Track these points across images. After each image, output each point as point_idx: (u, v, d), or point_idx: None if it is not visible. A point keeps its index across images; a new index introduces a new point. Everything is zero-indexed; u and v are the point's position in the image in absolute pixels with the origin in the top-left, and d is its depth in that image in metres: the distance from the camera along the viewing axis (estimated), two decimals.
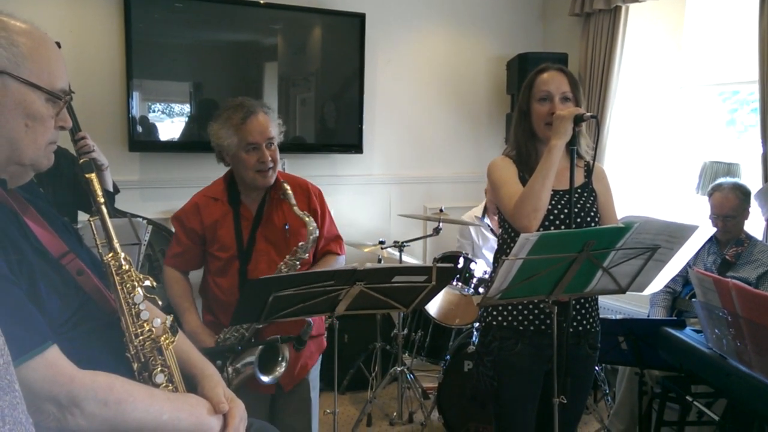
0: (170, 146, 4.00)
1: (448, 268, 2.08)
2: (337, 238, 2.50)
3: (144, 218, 2.81)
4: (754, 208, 3.35)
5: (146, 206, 3.80)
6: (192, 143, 4.02)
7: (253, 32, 4.14)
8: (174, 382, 1.31)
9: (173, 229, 2.41)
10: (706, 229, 1.86)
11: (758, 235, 3.42)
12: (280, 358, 2.14)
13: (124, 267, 1.30)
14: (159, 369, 1.29)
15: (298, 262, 2.22)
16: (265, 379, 2.10)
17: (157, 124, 3.95)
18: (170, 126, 4.00)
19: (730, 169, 3.62)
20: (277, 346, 2.12)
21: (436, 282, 1.97)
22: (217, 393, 1.33)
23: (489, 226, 4.07)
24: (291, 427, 2.40)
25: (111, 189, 2.79)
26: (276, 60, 4.22)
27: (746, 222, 3.28)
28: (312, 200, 2.42)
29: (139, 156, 3.89)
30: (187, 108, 4.04)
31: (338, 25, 4.33)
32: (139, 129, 3.82)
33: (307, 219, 2.22)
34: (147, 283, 1.31)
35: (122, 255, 1.30)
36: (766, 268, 3.14)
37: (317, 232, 2.26)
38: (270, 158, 2.24)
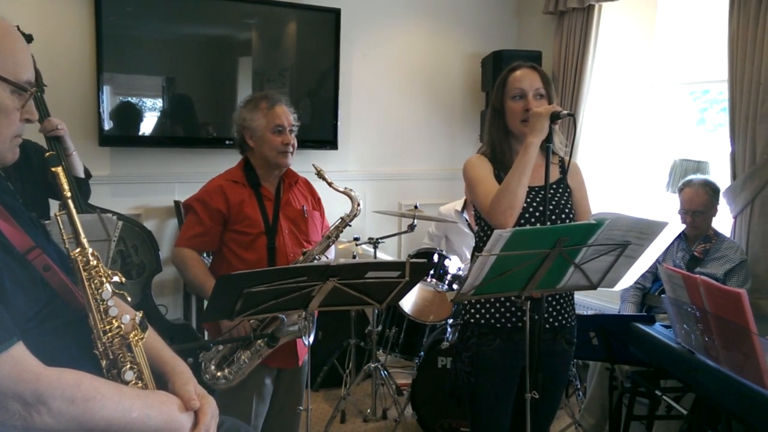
0: (142, 141, 3.94)
1: (422, 264, 2.09)
2: None
3: (114, 213, 2.77)
4: (723, 205, 3.42)
5: (117, 202, 3.74)
6: (164, 138, 3.98)
7: (227, 26, 4.11)
8: (143, 379, 1.29)
9: (191, 211, 2.47)
10: (675, 226, 1.89)
11: (726, 232, 3.48)
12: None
13: (91, 263, 1.28)
14: (128, 366, 1.27)
15: (343, 228, 2.50)
16: (306, 341, 2.26)
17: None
18: (142, 121, 3.95)
19: (699, 167, 3.67)
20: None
21: (410, 277, 1.97)
22: (188, 390, 1.32)
23: (467, 220, 4.09)
24: (284, 411, 2.56)
25: (82, 174, 2.75)
26: (250, 55, 4.20)
27: (714, 219, 3.35)
28: (314, 193, 2.70)
29: (110, 151, 3.84)
30: (159, 103, 3.99)
31: (313, 20, 4.31)
32: (111, 123, 3.76)
33: (352, 193, 2.52)
34: (116, 278, 1.29)
35: (90, 250, 1.28)
36: (733, 264, 3.21)
37: (361, 203, 2.55)
38: (291, 142, 2.49)
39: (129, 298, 1.35)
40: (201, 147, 4.09)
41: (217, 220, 2.44)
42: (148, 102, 3.99)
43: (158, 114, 3.97)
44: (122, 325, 1.27)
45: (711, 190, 3.28)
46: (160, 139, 3.97)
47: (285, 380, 2.56)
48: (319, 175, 2.52)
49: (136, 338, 1.29)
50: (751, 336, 1.99)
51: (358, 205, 2.53)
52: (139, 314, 1.32)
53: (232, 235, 2.45)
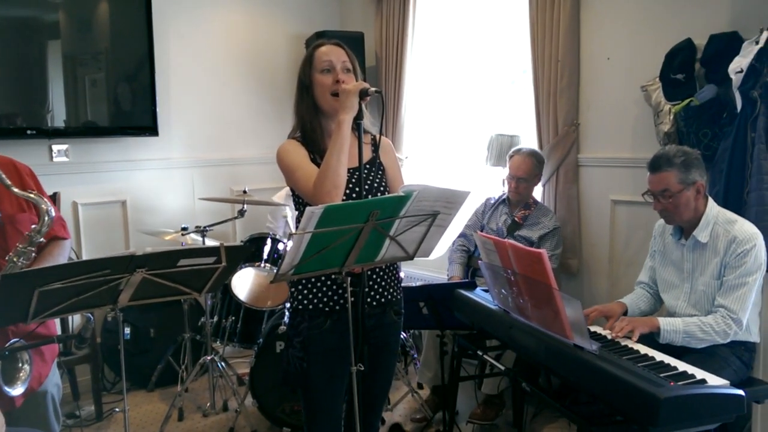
0: None
1: (237, 247, 2.04)
2: (61, 220, 2.30)
3: None
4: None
5: None
6: None
7: (30, 7, 3.76)
8: None
9: None
10: (477, 195, 1.99)
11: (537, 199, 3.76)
12: (20, 364, 1.93)
13: None
14: None
15: (33, 248, 2.06)
16: (14, 391, 1.89)
17: None
18: None
19: (512, 141, 3.91)
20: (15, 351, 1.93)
21: (227, 262, 1.92)
22: None
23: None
24: None
25: None
26: (59, 38, 3.87)
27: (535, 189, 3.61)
28: (26, 181, 2.20)
29: None
30: None
31: (123, 0, 4.05)
32: None
33: (37, 198, 2.07)
34: None
35: None
36: (548, 230, 3.49)
37: (52, 211, 2.09)
38: None
39: None
40: (3, 138, 3.71)
41: None
42: None
43: None
44: None
45: (536, 160, 3.53)
46: None
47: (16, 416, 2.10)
48: None
49: None
50: (552, 291, 2.16)
51: (47, 216, 2.08)
52: None
53: None
